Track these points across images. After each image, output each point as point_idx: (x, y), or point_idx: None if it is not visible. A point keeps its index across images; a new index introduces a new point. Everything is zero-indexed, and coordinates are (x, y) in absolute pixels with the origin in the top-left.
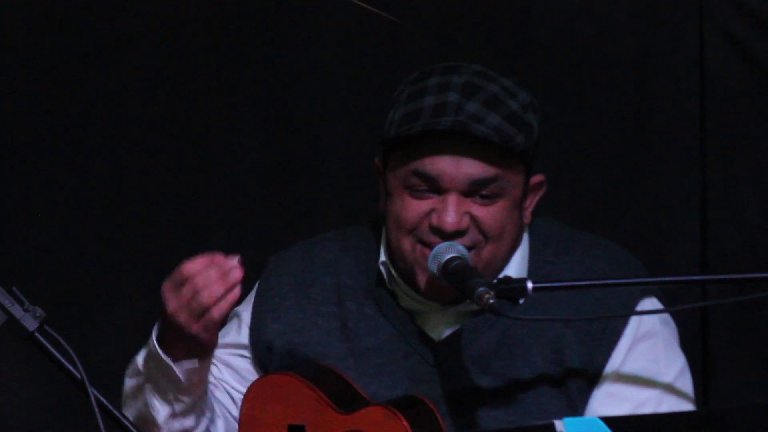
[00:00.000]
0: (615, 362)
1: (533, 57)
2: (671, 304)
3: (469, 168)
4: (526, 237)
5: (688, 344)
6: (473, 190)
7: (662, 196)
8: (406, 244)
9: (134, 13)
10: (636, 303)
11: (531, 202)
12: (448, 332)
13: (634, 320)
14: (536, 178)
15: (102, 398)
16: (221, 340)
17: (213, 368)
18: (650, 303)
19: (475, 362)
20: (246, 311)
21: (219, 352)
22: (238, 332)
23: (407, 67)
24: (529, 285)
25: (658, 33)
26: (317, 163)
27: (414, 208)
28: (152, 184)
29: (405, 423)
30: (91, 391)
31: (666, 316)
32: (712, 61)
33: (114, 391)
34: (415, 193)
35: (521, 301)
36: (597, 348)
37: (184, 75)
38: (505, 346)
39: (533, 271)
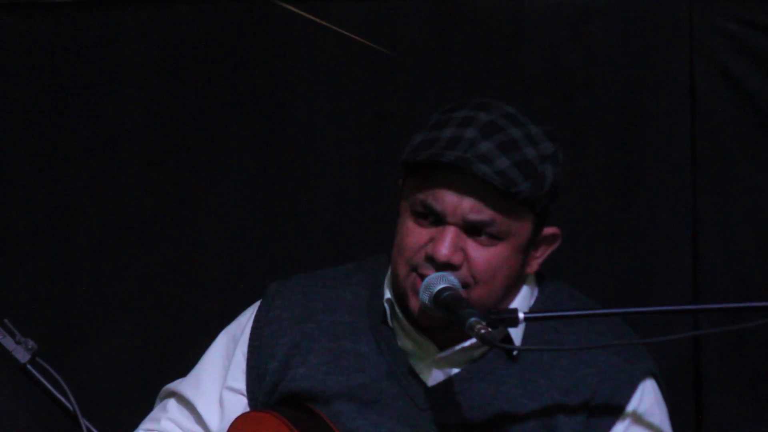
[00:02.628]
0: None
1: (524, 87)
2: (664, 334)
3: (468, 207)
4: (534, 293)
5: (679, 374)
6: (473, 229)
7: (654, 226)
8: (402, 268)
9: (131, 37)
10: (640, 381)
11: (542, 254)
12: (440, 378)
13: (634, 399)
14: (549, 230)
15: (94, 429)
16: (229, 381)
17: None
18: (652, 384)
19: (464, 413)
20: (245, 347)
21: (225, 394)
22: (241, 375)
23: (398, 97)
24: (521, 315)
25: (649, 64)
26: (310, 197)
27: (415, 235)
28: (145, 215)
29: None
30: (84, 423)
31: (661, 397)
32: (703, 92)
33: (106, 423)
34: (420, 220)
35: (515, 352)
36: (596, 425)
37: (174, 115)
38: (496, 401)
39: (535, 335)
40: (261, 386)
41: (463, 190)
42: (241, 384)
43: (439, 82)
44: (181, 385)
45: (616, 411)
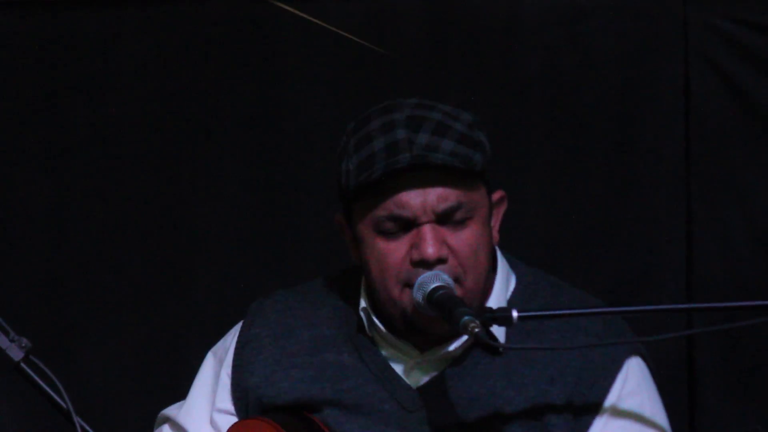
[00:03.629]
0: (598, 425)
1: (518, 88)
2: (657, 333)
3: (436, 198)
4: (511, 281)
5: (673, 373)
6: (444, 218)
7: (648, 225)
8: (395, 291)
9: (127, 35)
10: (623, 360)
11: (496, 220)
12: (425, 379)
13: (619, 379)
14: (497, 194)
15: (88, 428)
16: (218, 403)
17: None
18: (636, 362)
19: (452, 411)
20: (228, 367)
21: (215, 416)
22: (228, 396)
23: (392, 95)
24: (514, 314)
25: (643, 63)
26: (303, 187)
27: (393, 252)
28: (140, 214)
29: None
30: (77, 421)
31: (648, 375)
32: (697, 91)
33: (100, 421)
34: (390, 236)
35: (501, 349)
36: (583, 409)
37: (171, 102)
38: (483, 396)
39: (518, 327)
40: (246, 402)
41: (422, 185)
42: (228, 404)
43: (435, 82)
44: (174, 411)
45: (602, 392)
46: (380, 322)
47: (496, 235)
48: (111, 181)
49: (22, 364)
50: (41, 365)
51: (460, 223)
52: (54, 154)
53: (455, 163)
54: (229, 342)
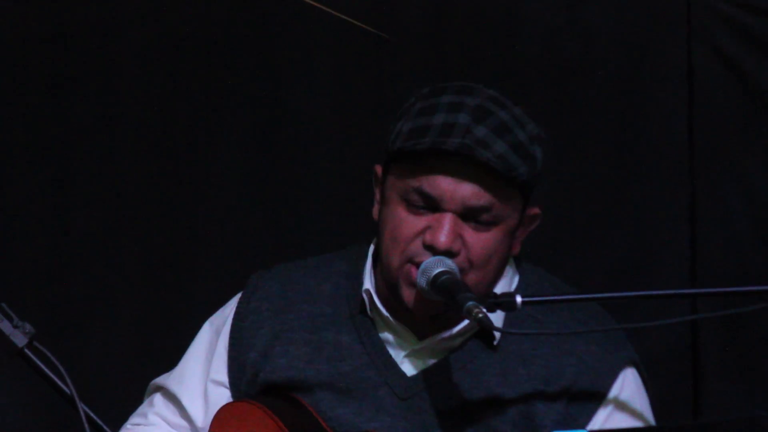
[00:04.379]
0: (596, 423)
1: (520, 70)
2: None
3: (469, 193)
4: (515, 279)
5: (678, 358)
6: (470, 214)
7: (651, 209)
8: (395, 259)
9: (128, 25)
10: (620, 370)
11: (522, 233)
12: (420, 367)
13: (615, 388)
14: (532, 211)
15: (92, 414)
16: (212, 374)
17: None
18: (632, 373)
19: (443, 402)
20: (226, 338)
21: (209, 387)
22: (224, 367)
23: (395, 80)
24: (518, 299)
25: (646, 46)
26: (307, 182)
27: (410, 224)
28: (142, 198)
29: None
30: (81, 406)
31: (642, 386)
32: (700, 75)
33: (104, 407)
34: (413, 208)
35: (495, 341)
36: (576, 414)
37: (173, 99)
38: (476, 390)
39: (516, 324)
40: (242, 377)
41: (462, 176)
42: (223, 376)
43: (437, 66)
44: (166, 380)
45: (597, 399)
46: (382, 305)
47: (517, 246)
48: (113, 166)
49: (26, 350)
50: (45, 351)
51: (484, 225)
52: (56, 139)
53: (498, 166)
54: (227, 313)
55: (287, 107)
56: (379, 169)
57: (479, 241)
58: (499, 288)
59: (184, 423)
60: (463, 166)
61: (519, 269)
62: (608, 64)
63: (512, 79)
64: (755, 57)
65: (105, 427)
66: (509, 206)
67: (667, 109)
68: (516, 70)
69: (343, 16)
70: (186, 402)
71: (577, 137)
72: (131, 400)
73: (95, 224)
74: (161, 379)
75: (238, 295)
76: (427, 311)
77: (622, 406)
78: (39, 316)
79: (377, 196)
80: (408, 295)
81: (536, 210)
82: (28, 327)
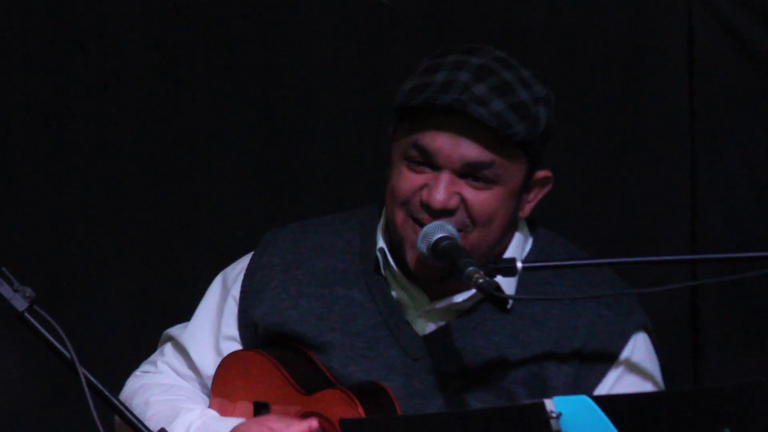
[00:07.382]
0: (603, 389)
1: (522, 41)
2: (661, 284)
3: (466, 149)
4: (528, 243)
5: (677, 324)
6: (468, 171)
7: (652, 177)
8: (399, 216)
9: (126, 7)
10: (631, 334)
11: (535, 197)
12: (432, 328)
13: (626, 351)
14: (542, 173)
15: (92, 378)
16: (223, 328)
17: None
18: (643, 337)
19: (455, 362)
20: (236, 292)
21: (222, 343)
22: (234, 321)
23: (395, 51)
24: (519, 264)
25: (647, 17)
26: (307, 148)
27: (408, 180)
28: (142, 166)
29: (360, 409)
30: (81, 371)
31: (653, 351)
32: (701, 44)
33: (104, 371)
34: (413, 165)
35: (509, 305)
36: (586, 376)
37: (173, 66)
38: (487, 351)
39: (528, 286)
40: (252, 331)
41: (459, 132)
42: (234, 331)
43: (438, 33)
44: (178, 331)
45: (608, 360)
46: (395, 264)
47: (528, 209)
48: (113, 126)
49: (26, 315)
50: (45, 315)
51: (484, 183)
52: (56, 101)
53: (492, 123)
54: (239, 268)
55: (287, 71)
56: (390, 130)
57: (480, 199)
58: (510, 252)
59: (191, 374)
60: (458, 122)
61: (533, 234)
62: (609, 30)
63: (513, 44)
64: (756, 23)
65: (105, 391)
66: (512, 166)
67: (668, 75)
68: (517, 35)
69: None
70: (194, 354)
71: (577, 105)
72: (131, 363)
73: (96, 189)
74: (173, 330)
75: (251, 252)
76: (430, 275)
77: (632, 368)
78: (39, 280)
79: (388, 156)
80: (411, 257)
81: (546, 172)
82: (28, 291)
